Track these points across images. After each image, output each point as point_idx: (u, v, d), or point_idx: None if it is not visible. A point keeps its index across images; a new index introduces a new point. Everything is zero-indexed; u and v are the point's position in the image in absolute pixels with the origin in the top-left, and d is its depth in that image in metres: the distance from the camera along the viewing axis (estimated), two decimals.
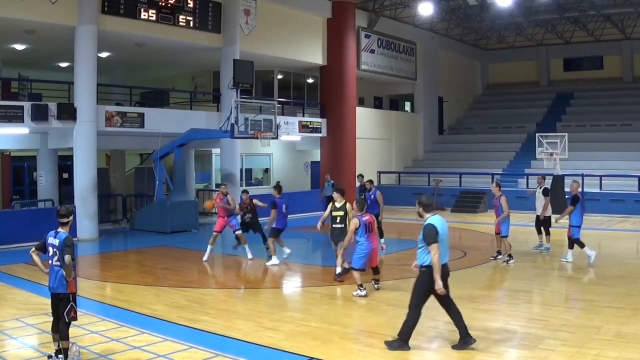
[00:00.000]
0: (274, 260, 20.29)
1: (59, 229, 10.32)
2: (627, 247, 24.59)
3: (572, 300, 15.87)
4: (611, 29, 49.19)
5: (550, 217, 23.01)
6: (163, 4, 29.12)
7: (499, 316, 13.86)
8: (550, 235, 22.98)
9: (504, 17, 44.65)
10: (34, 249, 10.47)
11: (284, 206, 20.58)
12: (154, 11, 28.73)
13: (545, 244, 22.83)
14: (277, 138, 30.17)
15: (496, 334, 12.41)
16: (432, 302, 14.32)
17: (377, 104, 48.61)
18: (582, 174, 35.46)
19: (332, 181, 31.23)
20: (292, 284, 18.41)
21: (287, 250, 21.23)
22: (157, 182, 29.73)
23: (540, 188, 23.38)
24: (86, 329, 12.43)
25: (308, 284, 18.10)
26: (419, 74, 47.21)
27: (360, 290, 15.46)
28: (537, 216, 23.37)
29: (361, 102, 43.72)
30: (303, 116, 37.81)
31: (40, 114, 25.11)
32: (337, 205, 18.34)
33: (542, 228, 23.07)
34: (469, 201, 38.54)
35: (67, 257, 9.98)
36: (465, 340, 11.48)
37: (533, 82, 56.42)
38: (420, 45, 47.02)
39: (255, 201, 21.59)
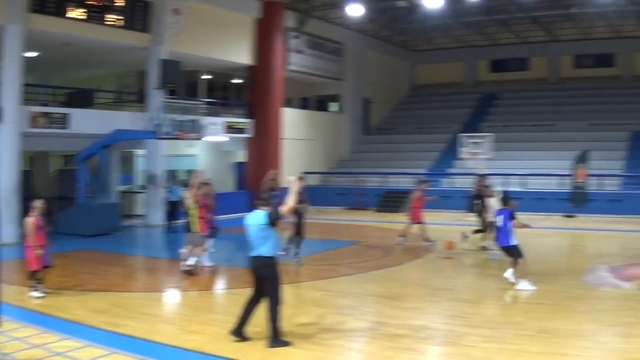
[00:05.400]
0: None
1: None
2: (549, 245, 25.08)
3: (494, 297, 16.10)
4: (538, 31, 49.95)
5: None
6: (92, 2, 28.77)
7: (422, 314, 14.07)
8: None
9: (432, 19, 44.99)
10: None
11: None
12: (83, 10, 28.40)
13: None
14: (201, 139, 30.08)
15: (419, 331, 12.59)
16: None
17: (304, 104, 48.59)
18: (506, 173, 36.07)
19: (179, 185, 30.77)
20: (215, 286, 18.37)
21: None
22: (80, 184, 29.41)
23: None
24: (8, 336, 12.23)
25: (232, 286, 18.10)
26: (347, 74, 47.39)
27: None
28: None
29: (288, 103, 43.68)
30: (229, 117, 37.59)
31: None
32: None
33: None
34: (393, 201, 38.91)
35: None
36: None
37: (459, 83, 56.89)
38: (348, 46, 47.21)
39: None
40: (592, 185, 36.58)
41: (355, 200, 40.50)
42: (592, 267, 20.05)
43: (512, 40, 52.44)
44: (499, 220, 17.35)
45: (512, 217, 17.24)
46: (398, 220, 33.45)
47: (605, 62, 52.81)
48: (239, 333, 11.96)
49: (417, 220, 24.80)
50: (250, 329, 12.08)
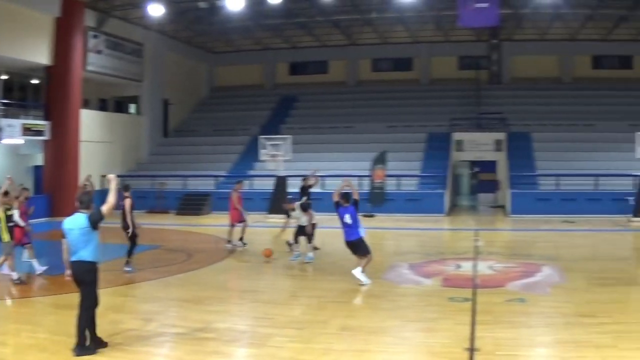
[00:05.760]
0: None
1: None
2: (330, 242, 25.30)
3: (298, 297, 16.27)
4: (338, 35, 50.87)
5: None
6: None
7: (227, 316, 13.99)
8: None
9: (233, 21, 44.76)
10: None
11: None
12: None
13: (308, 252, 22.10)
14: None
15: (225, 334, 12.53)
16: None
17: (103, 106, 47.50)
18: (305, 174, 36.43)
19: None
20: (17, 295, 17.60)
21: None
22: None
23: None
24: None
25: (36, 295, 17.39)
26: (146, 75, 46.61)
27: None
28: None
29: (86, 104, 42.52)
30: (27, 119, 36.21)
31: None
32: None
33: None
34: (193, 203, 38.70)
35: None
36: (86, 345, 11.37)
37: (259, 85, 57.04)
38: (148, 47, 46.43)
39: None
40: (390, 186, 37.48)
41: (155, 203, 39.94)
42: (393, 265, 20.46)
43: (311, 44, 53.27)
44: (347, 219, 17.50)
45: (357, 208, 17.68)
46: (199, 223, 33.32)
47: (403, 66, 54.42)
48: (97, 342, 11.45)
49: (236, 221, 24.71)
50: (55, 338, 11.67)
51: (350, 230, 17.56)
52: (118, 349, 11.52)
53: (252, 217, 30.92)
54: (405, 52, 53.68)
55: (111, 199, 11.37)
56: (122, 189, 19.98)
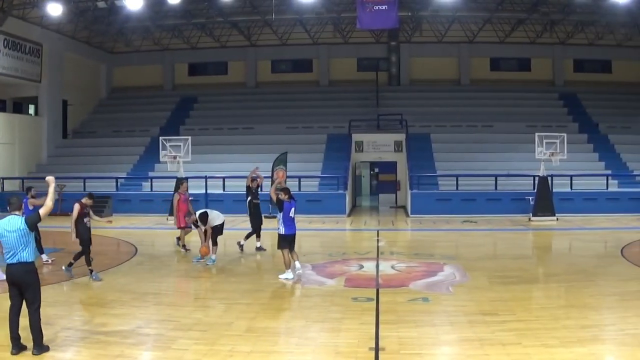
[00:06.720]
0: None
1: None
2: (251, 245, 25.17)
3: (201, 299, 16.26)
4: (237, 36, 50.89)
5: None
6: None
7: (130, 319, 13.73)
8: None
9: (132, 21, 44.32)
10: None
11: None
12: None
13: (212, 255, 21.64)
14: None
15: (129, 337, 12.32)
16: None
17: (1, 106, 46.44)
18: (206, 176, 36.28)
19: None
20: None
21: None
22: None
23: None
24: None
25: None
26: (44, 76, 45.64)
27: None
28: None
29: None
30: None
31: None
32: None
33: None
34: (94, 205, 37.90)
35: None
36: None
37: (158, 86, 56.54)
38: (46, 47, 45.43)
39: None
40: (291, 187, 37.29)
41: (55, 206, 39.09)
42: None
43: (211, 44, 53.10)
44: (292, 213, 18.10)
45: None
46: (100, 226, 32.72)
47: (302, 67, 54.60)
48: (19, 347, 11.29)
49: (182, 224, 24.11)
50: None
51: (293, 224, 18.12)
52: (22, 354, 11.26)
53: (153, 219, 30.63)
54: (305, 53, 54.02)
55: (49, 202, 11.45)
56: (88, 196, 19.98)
